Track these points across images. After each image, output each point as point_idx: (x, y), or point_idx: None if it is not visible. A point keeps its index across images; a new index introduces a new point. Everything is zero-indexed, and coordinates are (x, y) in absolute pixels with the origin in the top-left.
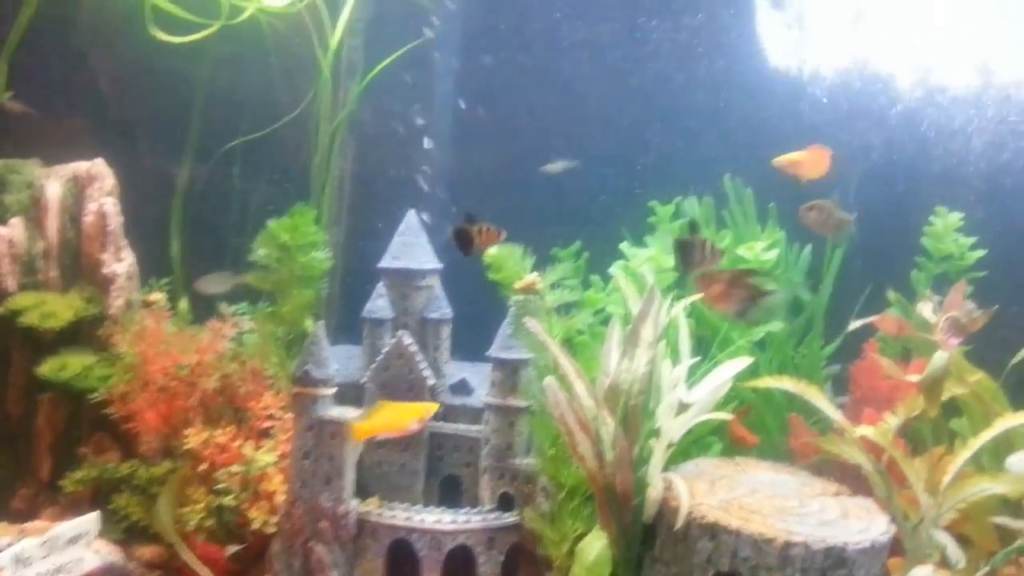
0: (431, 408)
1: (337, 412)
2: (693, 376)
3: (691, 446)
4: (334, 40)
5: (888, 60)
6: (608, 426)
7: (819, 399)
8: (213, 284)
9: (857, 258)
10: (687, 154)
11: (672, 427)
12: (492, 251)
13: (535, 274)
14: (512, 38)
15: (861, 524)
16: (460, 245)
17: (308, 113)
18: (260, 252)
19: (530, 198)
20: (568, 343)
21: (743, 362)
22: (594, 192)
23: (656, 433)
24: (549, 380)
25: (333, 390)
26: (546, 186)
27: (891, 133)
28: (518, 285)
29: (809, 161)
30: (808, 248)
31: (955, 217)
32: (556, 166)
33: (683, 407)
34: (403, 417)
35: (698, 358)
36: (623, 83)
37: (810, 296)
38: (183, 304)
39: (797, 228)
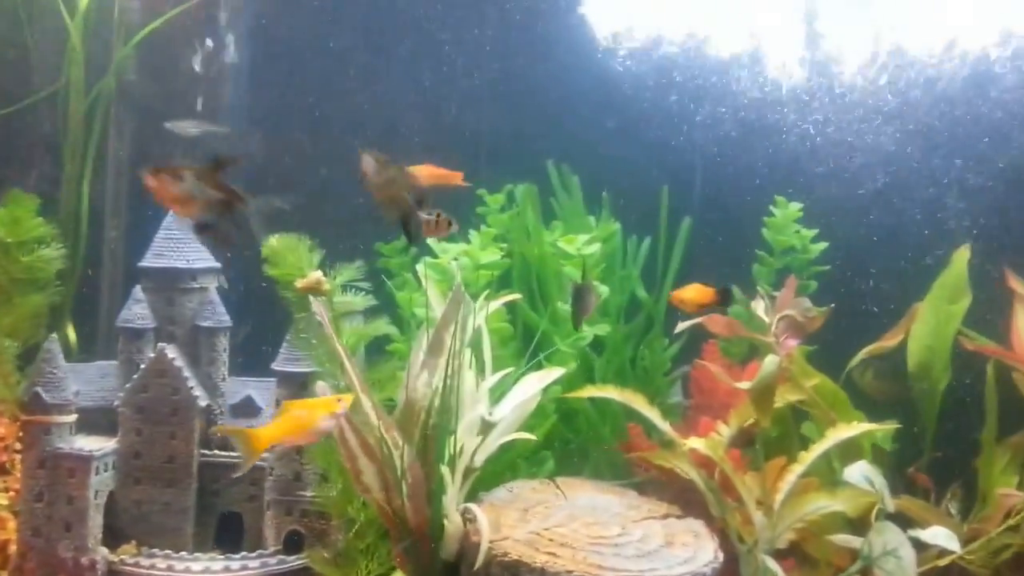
0: (346, 399)
1: (79, 443)
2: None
3: (520, 463)
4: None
5: (728, 36)
6: (401, 449)
7: (645, 408)
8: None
9: (701, 252)
10: (513, 139)
11: (473, 449)
12: (272, 242)
13: (319, 272)
14: (313, 17)
15: (685, 553)
16: (405, 231)
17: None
18: None
19: (342, 188)
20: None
21: (552, 373)
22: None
23: (455, 457)
24: (320, 386)
25: (71, 417)
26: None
27: (734, 116)
28: (300, 283)
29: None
30: (647, 242)
31: (795, 207)
32: (186, 125)
33: (487, 426)
34: (311, 416)
35: (510, 368)
36: (437, 62)
37: (648, 294)
38: None
39: (636, 219)
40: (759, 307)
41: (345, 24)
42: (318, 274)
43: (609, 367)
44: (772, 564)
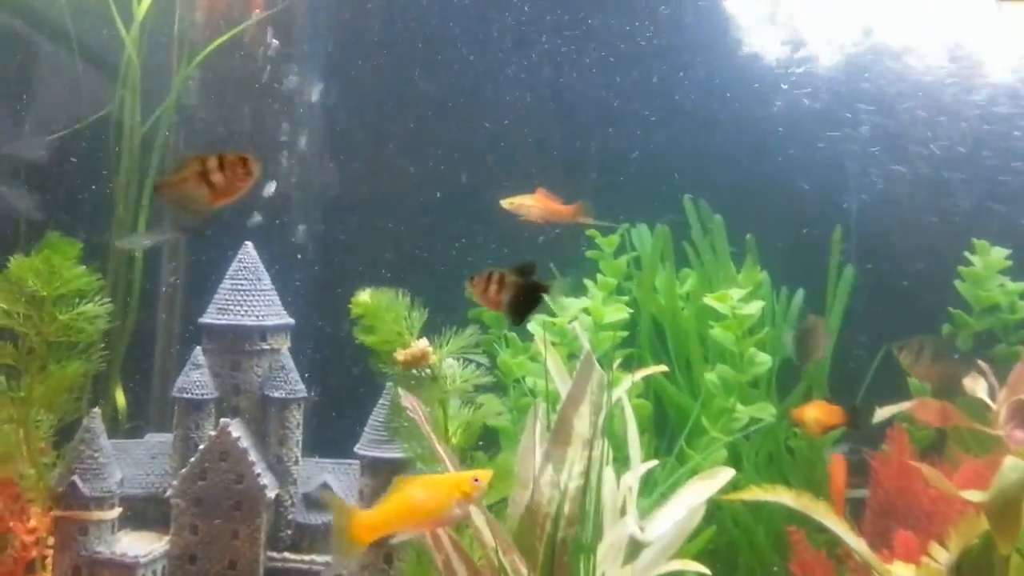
0: (484, 476)
1: (122, 545)
2: (649, 490)
3: None
4: (141, 9)
5: (909, 36)
6: None
7: (832, 520)
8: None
9: (867, 307)
10: (636, 170)
11: None
12: (363, 297)
13: (424, 340)
14: (403, 32)
15: None
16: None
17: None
18: None
19: (424, 227)
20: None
21: (719, 476)
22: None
23: None
24: None
25: (114, 513)
26: (446, 211)
27: (911, 133)
28: (401, 356)
29: (538, 207)
30: (800, 294)
31: (1000, 254)
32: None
33: (637, 547)
34: (435, 499)
35: (654, 462)
36: (540, 75)
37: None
38: None
39: (783, 267)
40: (978, 387)
41: (459, 43)
42: (423, 343)
43: (760, 454)
44: None
